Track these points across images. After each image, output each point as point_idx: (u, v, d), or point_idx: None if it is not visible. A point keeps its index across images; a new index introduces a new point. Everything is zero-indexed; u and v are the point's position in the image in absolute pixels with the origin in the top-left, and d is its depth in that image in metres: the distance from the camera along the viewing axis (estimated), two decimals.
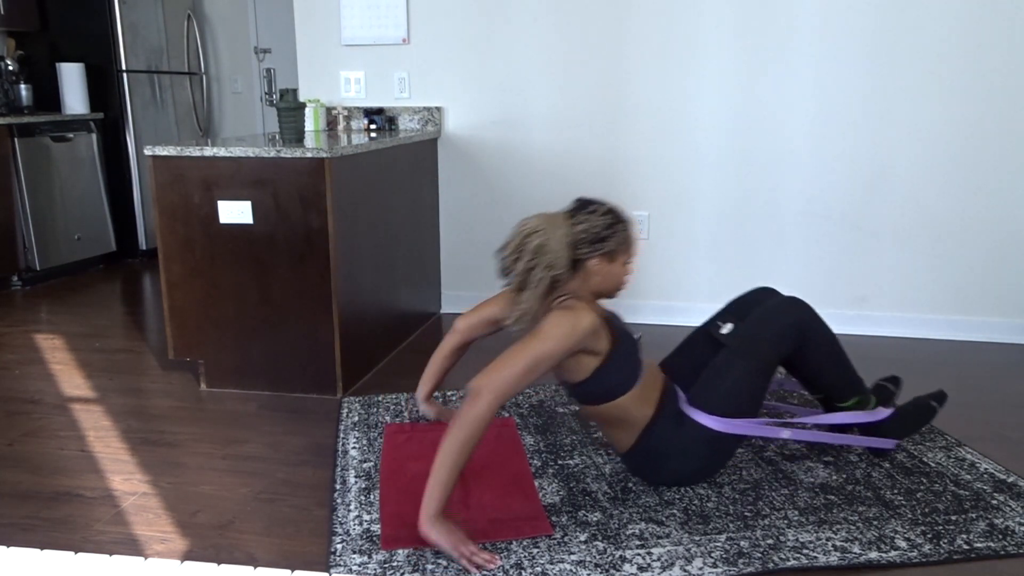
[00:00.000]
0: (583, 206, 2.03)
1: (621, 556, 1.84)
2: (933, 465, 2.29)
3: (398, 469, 2.27)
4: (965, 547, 1.88)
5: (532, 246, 1.96)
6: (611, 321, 2.08)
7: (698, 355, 2.29)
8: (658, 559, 1.83)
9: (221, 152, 2.76)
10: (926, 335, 3.52)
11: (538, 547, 1.88)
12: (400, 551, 1.87)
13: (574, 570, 1.79)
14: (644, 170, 3.65)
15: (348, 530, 1.97)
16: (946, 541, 1.90)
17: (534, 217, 2.02)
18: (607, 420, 2.11)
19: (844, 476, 2.22)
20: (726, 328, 2.24)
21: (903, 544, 1.89)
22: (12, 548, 1.11)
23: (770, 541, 1.90)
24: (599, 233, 1.99)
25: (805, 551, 1.86)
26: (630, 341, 2.08)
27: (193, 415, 2.74)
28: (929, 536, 1.92)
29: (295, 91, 3.12)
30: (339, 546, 1.90)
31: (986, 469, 2.26)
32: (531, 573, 1.78)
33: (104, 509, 2.11)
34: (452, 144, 3.81)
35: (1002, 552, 1.86)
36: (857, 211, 3.49)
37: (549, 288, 1.97)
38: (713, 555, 1.85)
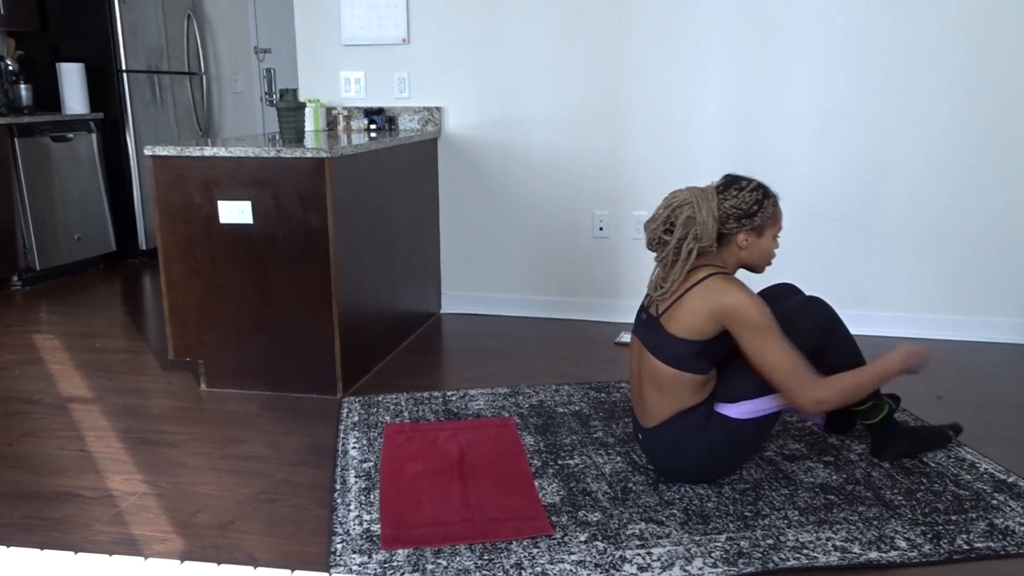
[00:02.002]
0: (732, 182, 2.08)
1: (621, 556, 1.84)
2: (933, 465, 2.29)
3: (398, 469, 2.27)
4: (965, 547, 1.88)
5: (682, 218, 2.02)
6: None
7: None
8: (658, 559, 1.83)
9: (221, 152, 2.76)
10: (926, 335, 3.51)
11: (538, 547, 1.88)
12: (400, 551, 1.87)
13: (574, 570, 1.79)
14: (644, 170, 3.65)
15: (348, 530, 1.97)
16: (946, 541, 1.90)
17: (683, 190, 2.07)
18: (663, 383, 2.09)
19: (844, 476, 2.22)
20: None
21: (903, 544, 1.89)
22: (12, 548, 1.11)
23: (770, 541, 1.90)
24: (747, 209, 2.05)
25: (805, 551, 1.86)
26: None
27: (193, 415, 2.74)
28: (929, 536, 1.92)
29: (295, 91, 3.12)
30: (339, 546, 1.90)
31: (986, 469, 2.26)
32: (531, 573, 1.78)
33: (104, 509, 2.11)
34: (452, 144, 3.81)
35: (1002, 552, 1.86)
36: (857, 211, 3.49)
37: (695, 259, 2.05)
38: (713, 555, 1.85)
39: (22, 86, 4.83)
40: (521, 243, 3.83)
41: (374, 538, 1.93)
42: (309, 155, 2.70)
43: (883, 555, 1.85)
